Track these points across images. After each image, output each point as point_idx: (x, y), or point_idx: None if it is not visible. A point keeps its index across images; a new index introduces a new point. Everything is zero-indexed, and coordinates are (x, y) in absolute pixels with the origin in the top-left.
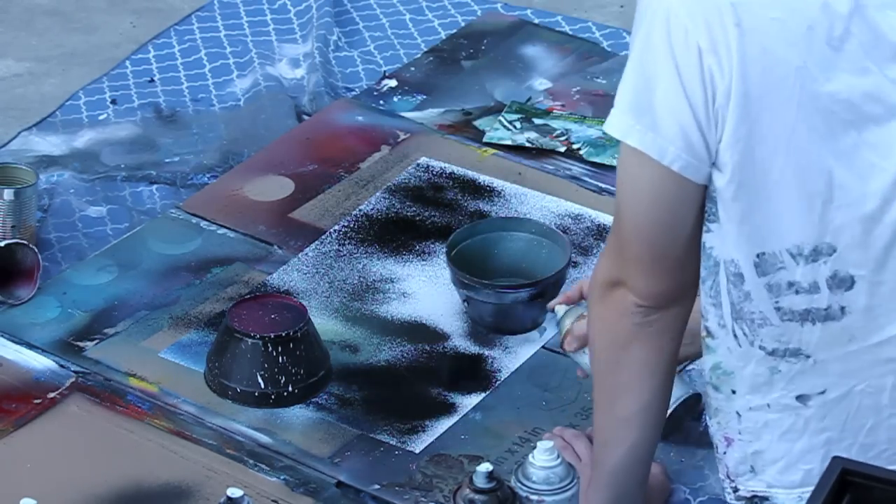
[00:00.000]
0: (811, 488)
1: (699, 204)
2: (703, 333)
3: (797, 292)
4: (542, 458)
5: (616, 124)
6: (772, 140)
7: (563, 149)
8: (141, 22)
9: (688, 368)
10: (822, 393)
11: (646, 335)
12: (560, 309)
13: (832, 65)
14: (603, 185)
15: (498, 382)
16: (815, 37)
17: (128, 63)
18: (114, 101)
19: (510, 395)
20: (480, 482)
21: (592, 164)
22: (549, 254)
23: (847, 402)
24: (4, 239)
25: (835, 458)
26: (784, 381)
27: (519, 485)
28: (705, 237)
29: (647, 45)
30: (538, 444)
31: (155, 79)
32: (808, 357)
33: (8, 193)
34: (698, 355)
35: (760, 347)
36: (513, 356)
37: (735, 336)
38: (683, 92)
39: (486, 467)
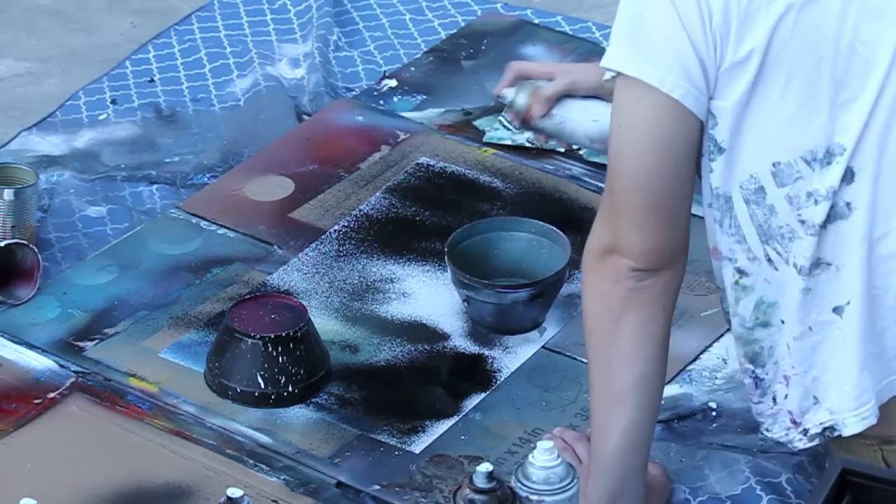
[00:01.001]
0: (867, 406)
1: (696, 143)
2: (735, 277)
3: (816, 202)
4: (542, 459)
5: (612, 57)
6: (782, 42)
7: (563, 149)
8: (141, 22)
9: (688, 369)
10: (849, 303)
11: (639, 302)
12: (508, 92)
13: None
14: (603, 185)
15: (498, 382)
16: None
17: (128, 63)
18: (114, 101)
19: (510, 395)
20: (480, 482)
21: (592, 164)
22: (549, 254)
23: (868, 307)
24: (4, 239)
25: (835, 458)
26: (817, 299)
27: (519, 485)
28: (710, 178)
29: None
30: (538, 444)
31: (155, 79)
32: (829, 265)
33: (8, 193)
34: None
35: (794, 265)
36: (513, 356)
37: (770, 260)
38: (679, 19)
39: (486, 467)
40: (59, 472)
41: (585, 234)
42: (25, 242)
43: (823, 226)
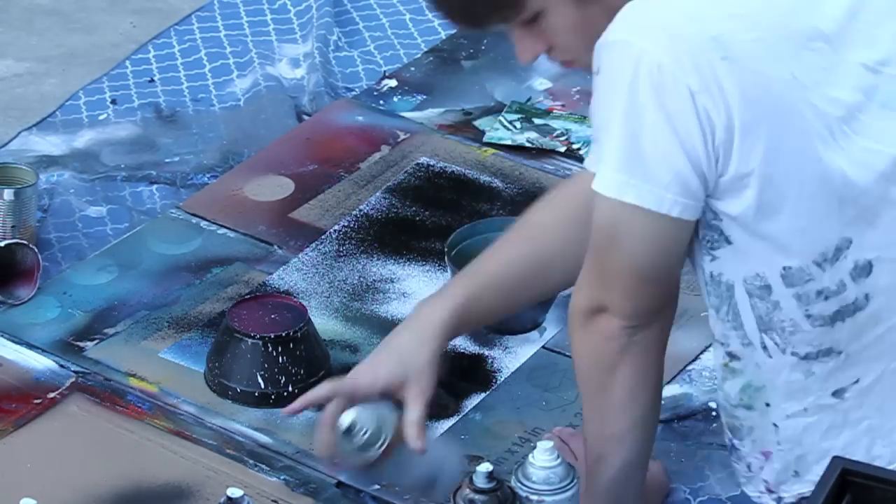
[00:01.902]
0: None
1: (691, 234)
2: (725, 360)
3: (826, 298)
4: (542, 459)
5: (608, 184)
6: (786, 157)
7: (563, 149)
8: (141, 22)
9: (688, 369)
10: (856, 382)
11: (632, 356)
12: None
13: (814, 68)
14: None
15: (498, 382)
16: (793, 46)
17: (128, 63)
18: (114, 101)
19: (510, 395)
20: (480, 482)
21: None
22: None
23: (881, 386)
24: (4, 239)
25: (835, 458)
26: (819, 382)
27: (519, 485)
28: (710, 266)
29: (631, 99)
30: (538, 444)
31: (155, 79)
32: (839, 353)
33: (8, 193)
34: None
35: (793, 354)
36: (513, 356)
37: (765, 348)
38: (677, 138)
39: (486, 467)
40: (59, 472)
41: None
42: (25, 242)
43: (839, 320)
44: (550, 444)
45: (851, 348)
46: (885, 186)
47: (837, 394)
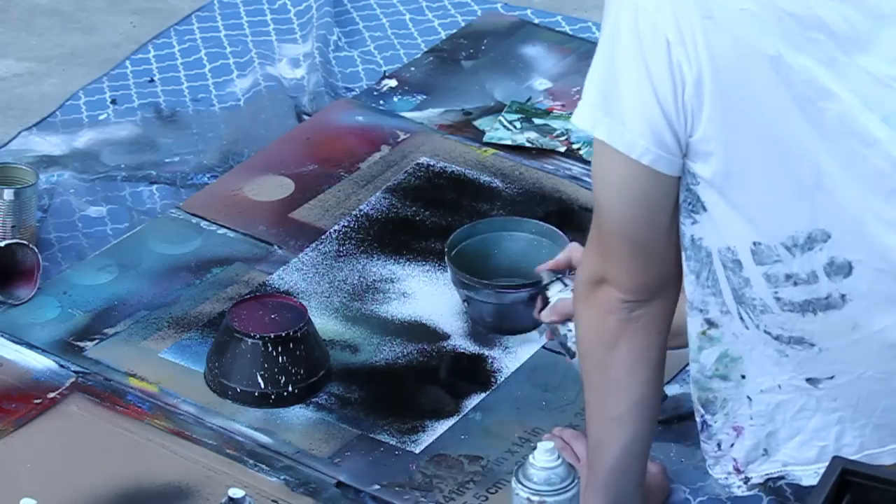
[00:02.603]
0: (827, 464)
1: (674, 196)
2: (703, 328)
3: (795, 283)
4: (542, 459)
5: (584, 117)
6: (754, 130)
7: (563, 149)
8: (141, 22)
9: (688, 369)
10: (831, 378)
11: (632, 331)
12: (546, 275)
13: (804, 53)
14: None
15: (498, 382)
16: (786, 26)
17: (128, 63)
18: (114, 101)
19: (510, 395)
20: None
21: None
22: (549, 254)
23: (857, 387)
24: (4, 239)
25: (835, 458)
26: (792, 365)
27: (520, 485)
28: (692, 229)
29: (615, 38)
30: (538, 444)
31: (155, 79)
32: (812, 345)
33: (8, 193)
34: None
35: (765, 332)
36: (513, 356)
37: (741, 318)
38: (651, 85)
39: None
40: (59, 472)
41: (585, 233)
42: (25, 242)
43: (809, 311)
44: (551, 444)
45: (825, 345)
46: (869, 194)
47: (812, 381)
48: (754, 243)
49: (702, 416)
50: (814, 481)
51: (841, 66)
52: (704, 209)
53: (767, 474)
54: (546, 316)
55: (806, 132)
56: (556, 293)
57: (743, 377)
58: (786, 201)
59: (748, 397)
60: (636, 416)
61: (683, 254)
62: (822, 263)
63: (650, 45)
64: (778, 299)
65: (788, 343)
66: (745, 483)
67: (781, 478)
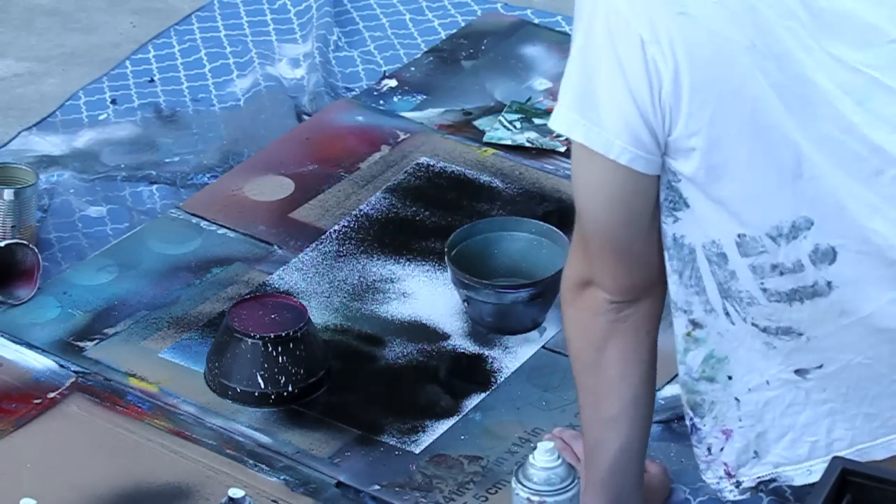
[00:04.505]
0: (819, 460)
1: (654, 195)
2: (688, 329)
3: (781, 273)
4: (542, 459)
5: (561, 120)
6: (735, 122)
7: (563, 149)
8: (141, 22)
9: None
10: (820, 367)
11: (621, 332)
12: None
13: (779, 42)
14: None
15: (498, 382)
16: (759, 15)
17: (128, 63)
18: (114, 101)
19: (510, 395)
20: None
21: None
22: (549, 254)
23: (846, 374)
24: (4, 239)
25: (835, 458)
26: (780, 357)
27: (520, 486)
28: (674, 227)
29: (588, 39)
30: (538, 444)
31: (155, 79)
32: (800, 335)
33: (8, 193)
34: None
35: (753, 324)
36: (513, 356)
37: (727, 314)
38: (626, 85)
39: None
40: (59, 472)
41: None
42: (25, 242)
43: (797, 300)
44: (551, 444)
45: (813, 333)
46: (849, 178)
47: (800, 373)
48: (739, 235)
49: (691, 419)
50: (806, 479)
51: (814, 52)
52: (687, 206)
53: (759, 477)
54: None
55: (785, 120)
56: None
57: (730, 378)
58: (769, 191)
59: (736, 399)
60: (631, 416)
61: (666, 253)
62: (806, 251)
63: (624, 45)
64: (764, 290)
65: (776, 334)
66: (737, 487)
67: (773, 480)
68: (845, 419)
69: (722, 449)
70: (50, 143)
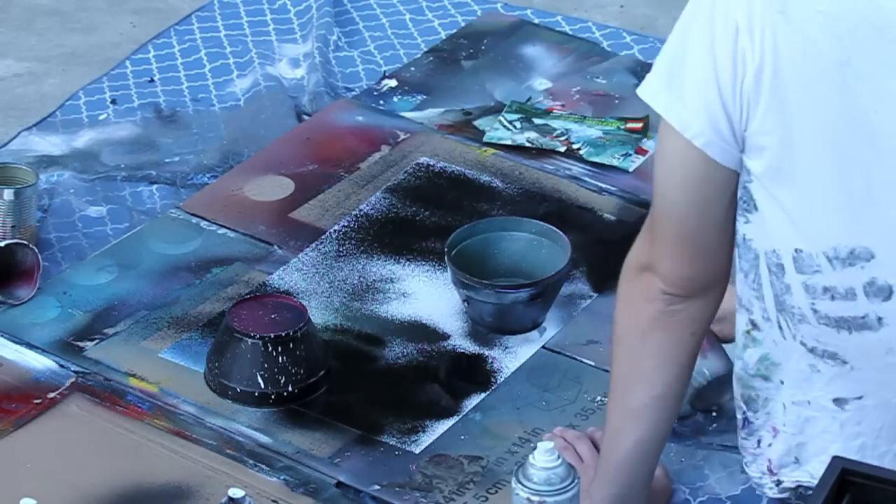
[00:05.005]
0: None
1: (730, 190)
2: (748, 327)
3: (833, 298)
4: (542, 459)
5: (648, 88)
6: (810, 131)
7: (563, 149)
8: (141, 22)
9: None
10: (860, 398)
11: (667, 325)
12: None
13: (879, 63)
14: (603, 185)
15: (498, 382)
16: (861, 35)
17: (128, 63)
18: (114, 101)
19: (510, 395)
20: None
21: (592, 164)
22: (549, 254)
23: (884, 411)
24: (4, 239)
25: (835, 457)
26: (823, 382)
27: (520, 486)
28: (745, 228)
29: (692, 14)
30: (539, 444)
31: (155, 79)
32: (845, 363)
33: (8, 193)
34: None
35: (801, 343)
36: (513, 356)
37: (780, 328)
38: (714, 67)
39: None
40: (59, 472)
41: (586, 233)
42: (25, 242)
43: (845, 329)
44: (551, 444)
45: (858, 364)
46: None
47: (839, 402)
48: (796, 250)
49: (743, 412)
50: None
51: None
52: (756, 208)
53: (798, 482)
54: None
55: (862, 142)
56: None
57: (782, 382)
58: (832, 209)
59: (783, 404)
60: (654, 411)
61: (737, 251)
62: (862, 282)
63: (721, 28)
64: (815, 311)
65: (822, 357)
66: (778, 486)
67: (810, 488)
68: (875, 457)
69: (770, 444)
70: (50, 143)
